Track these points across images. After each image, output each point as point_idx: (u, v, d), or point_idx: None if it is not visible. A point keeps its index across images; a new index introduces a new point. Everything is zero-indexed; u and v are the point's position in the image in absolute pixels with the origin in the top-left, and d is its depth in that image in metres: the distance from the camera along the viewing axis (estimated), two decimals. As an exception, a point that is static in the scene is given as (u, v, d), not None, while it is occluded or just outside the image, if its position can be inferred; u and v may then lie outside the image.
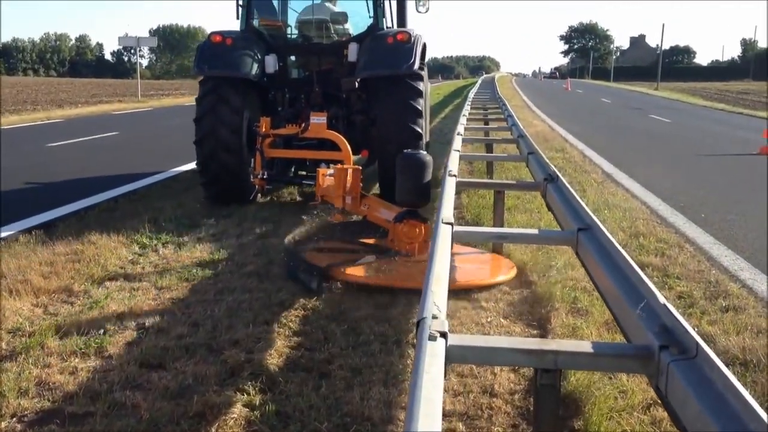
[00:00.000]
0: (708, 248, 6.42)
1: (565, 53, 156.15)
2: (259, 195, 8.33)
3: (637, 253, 6.10)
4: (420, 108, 7.77)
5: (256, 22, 8.66)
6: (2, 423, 3.21)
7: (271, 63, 8.26)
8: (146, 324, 4.41)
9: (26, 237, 6.43)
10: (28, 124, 20.53)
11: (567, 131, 18.46)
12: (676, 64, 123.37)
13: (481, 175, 10.23)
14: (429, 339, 2.08)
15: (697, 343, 2.01)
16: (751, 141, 16.20)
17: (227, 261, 5.84)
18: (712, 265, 5.84)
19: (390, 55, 7.78)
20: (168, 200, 8.34)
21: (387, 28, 8.65)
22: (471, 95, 22.51)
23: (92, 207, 8.00)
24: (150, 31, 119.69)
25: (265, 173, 7.57)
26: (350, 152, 7.25)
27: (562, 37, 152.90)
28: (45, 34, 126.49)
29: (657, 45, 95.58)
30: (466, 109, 13.80)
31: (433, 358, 1.98)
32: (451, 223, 3.75)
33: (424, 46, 8.27)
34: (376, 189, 8.50)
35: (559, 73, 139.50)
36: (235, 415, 3.30)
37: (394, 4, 8.93)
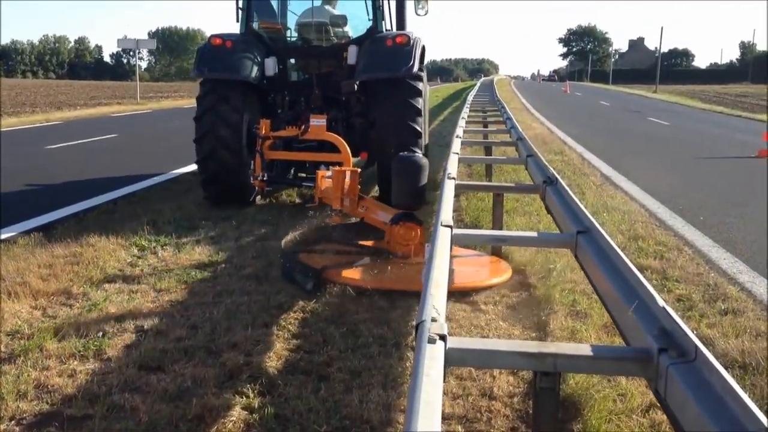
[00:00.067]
0: (707, 251, 6.43)
1: (564, 56, 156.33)
2: (259, 197, 8.34)
3: (636, 255, 6.11)
4: (419, 110, 7.81)
5: (255, 25, 8.69)
6: (1, 426, 3.21)
7: (271, 66, 8.29)
8: (145, 326, 4.41)
9: (25, 239, 6.43)
10: (27, 126, 20.52)
11: (566, 134, 18.48)
12: (674, 67, 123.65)
13: (480, 177, 10.24)
14: (428, 342, 2.08)
15: (696, 347, 2.02)
16: (750, 144, 16.23)
17: (226, 263, 5.84)
18: (711, 268, 5.85)
19: (389, 58, 7.81)
20: (167, 202, 8.34)
21: (386, 30, 8.69)
22: (470, 98, 22.53)
23: (91, 209, 8.00)
24: (149, 34, 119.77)
25: (265, 175, 7.58)
26: (350, 154, 7.27)
27: (560, 40, 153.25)
28: (44, 36, 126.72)
29: (656, 48, 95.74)
30: (465, 112, 13.81)
31: (433, 361, 1.98)
32: (450, 226, 3.76)
33: (423, 49, 8.29)
34: (375, 191, 8.51)
35: (557, 76, 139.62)
36: (234, 418, 3.29)
37: (393, 6, 8.95)
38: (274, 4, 9.28)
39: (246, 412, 3.35)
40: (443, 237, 3.51)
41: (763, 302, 4.96)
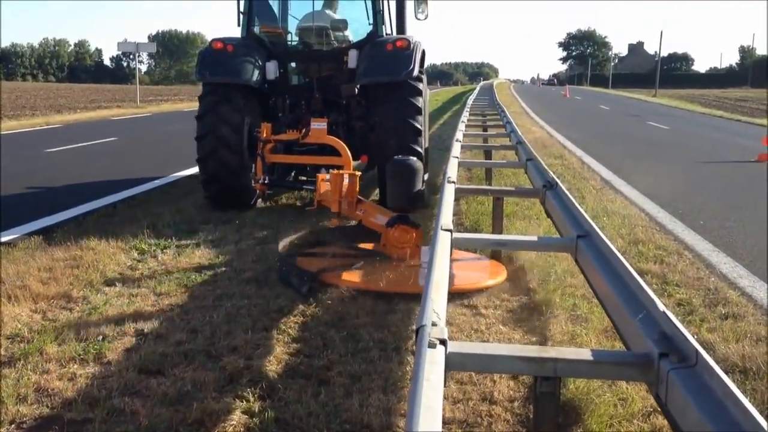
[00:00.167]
0: (707, 255, 6.43)
1: (564, 60, 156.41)
2: (260, 200, 8.37)
3: (636, 260, 6.11)
4: (419, 115, 7.83)
5: (257, 29, 8.72)
6: (1, 429, 3.21)
7: (272, 69, 8.33)
8: (145, 330, 4.40)
9: (25, 242, 6.43)
10: (27, 129, 20.53)
11: (565, 138, 18.49)
12: (674, 71, 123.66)
13: (480, 181, 10.25)
14: (428, 346, 2.09)
15: (697, 351, 2.02)
16: (750, 148, 16.23)
17: (226, 267, 5.84)
18: (711, 273, 5.84)
19: (389, 62, 7.85)
20: (167, 206, 8.34)
21: (386, 35, 8.72)
22: (470, 101, 22.55)
23: (91, 212, 7.99)
24: (149, 37, 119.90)
25: (266, 178, 7.60)
26: (350, 157, 7.29)
27: (560, 44, 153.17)
28: (44, 39, 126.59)
29: (655, 52, 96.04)
30: (465, 116, 13.82)
31: (433, 365, 1.99)
32: (450, 230, 3.76)
33: (423, 53, 8.33)
34: (376, 194, 8.52)
35: (557, 80, 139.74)
36: (234, 422, 3.29)
37: (393, 11, 8.98)
38: (275, 8, 9.31)
39: (246, 416, 3.35)
40: (443, 241, 3.51)
41: (763, 307, 4.96)
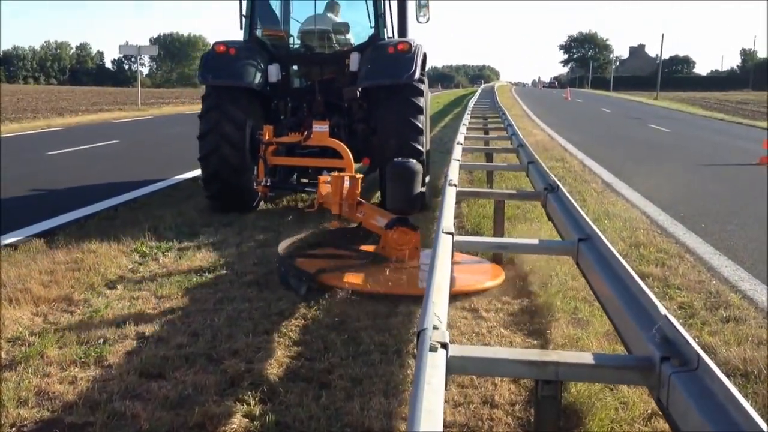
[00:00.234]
0: (708, 258, 6.42)
1: (565, 63, 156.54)
2: (262, 202, 8.40)
3: (638, 263, 6.10)
4: (420, 118, 7.87)
5: (259, 33, 8.76)
6: (1, 433, 3.21)
7: (274, 72, 8.36)
8: (146, 333, 4.40)
9: (26, 245, 6.43)
10: (29, 132, 20.57)
11: (567, 141, 18.49)
12: (675, 74, 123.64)
13: (481, 184, 10.25)
14: (430, 350, 2.08)
15: (699, 355, 2.01)
16: (751, 151, 16.22)
17: (227, 270, 5.84)
18: (713, 276, 5.84)
19: (391, 65, 7.88)
20: (168, 208, 8.35)
21: (388, 38, 8.74)
22: (471, 104, 22.57)
23: (92, 215, 8.00)
24: (150, 40, 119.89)
25: (268, 180, 7.64)
26: (352, 160, 7.30)
27: (561, 47, 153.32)
28: (45, 42, 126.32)
29: (656, 55, 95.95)
30: (466, 119, 13.83)
31: (434, 369, 1.98)
32: (451, 233, 3.76)
33: (425, 56, 8.35)
34: (377, 197, 8.53)
35: (558, 83, 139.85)
36: (235, 426, 3.29)
37: (395, 14, 9.02)
38: (277, 11, 9.36)
39: (247, 420, 3.35)
40: (444, 244, 3.51)
41: (764, 310, 4.95)
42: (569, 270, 5.39)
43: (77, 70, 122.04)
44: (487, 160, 10.26)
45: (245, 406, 3.46)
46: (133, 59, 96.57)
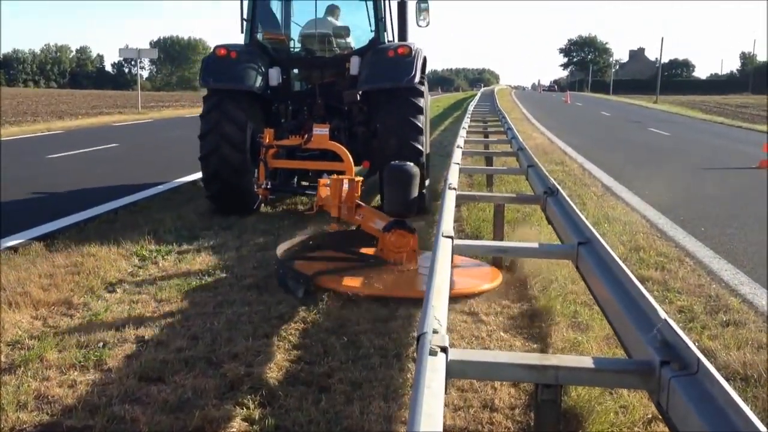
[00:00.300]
0: (708, 262, 6.42)
1: (565, 66, 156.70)
2: (263, 204, 8.41)
3: (638, 266, 6.10)
4: (420, 120, 7.92)
5: (260, 36, 8.80)
6: (1, 436, 3.20)
7: (275, 76, 8.39)
8: (146, 337, 4.40)
9: (26, 249, 6.43)
10: (29, 135, 20.56)
11: (566, 144, 18.50)
12: (675, 78, 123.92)
13: (480, 187, 10.25)
14: (430, 354, 2.08)
15: (699, 359, 2.01)
16: (751, 154, 16.24)
17: (227, 273, 5.83)
18: (713, 280, 5.84)
19: (391, 69, 7.92)
20: (168, 212, 8.35)
21: (388, 41, 8.77)
22: (471, 108, 22.58)
23: (92, 219, 8.00)
24: (151, 43, 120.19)
25: (269, 183, 7.67)
26: (352, 163, 7.32)
27: (561, 50, 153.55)
28: (45, 45, 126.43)
29: (656, 58, 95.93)
30: (466, 122, 13.84)
31: (434, 373, 1.99)
32: (451, 237, 3.76)
33: (425, 60, 8.38)
34: (378, 200, 8.53)
35: (558, 86, 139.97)
36: (235, 429, 3.28)
37: (395, 18, 9.05)
38: (278, 15, 9.40)
39: (246, 424, 3.34)
40: (444, 248, 3.51)
41: (764, 314, 4.96)
42: (569, 274, 5.39)
43: (77, 73, 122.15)
44: (486, 164, 10.27)
45: (245, 409, 3.45)
46: (133, 62, 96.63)
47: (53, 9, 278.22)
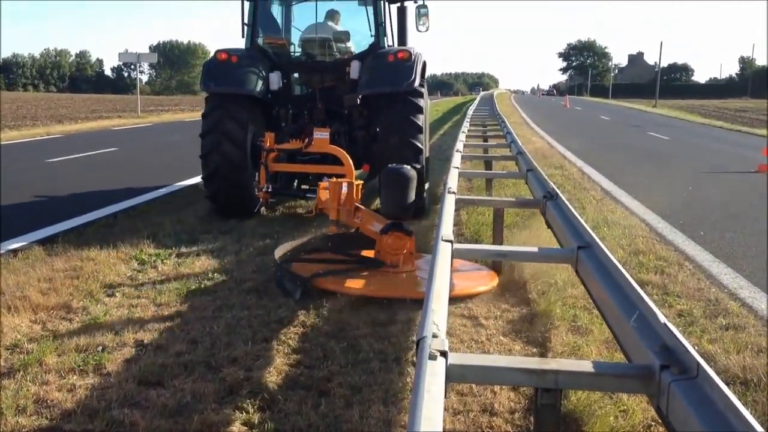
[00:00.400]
0: (707, 266, 6.42)
1: (564, 70, 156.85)
2: (263, 208, 8.46)
3: (637, 270, 6.10)
4: (420, 124, 7.95)
5: (260, 41, 8.84)
6: (-1, 441, 3.20)
7: (275, 80, 8.44)
8: (145, 341, 4.40)
9: (25, 253, 6.43)
10: (28, 139, 20.57)
11: (566, 148, 18.52)
12: (674, 82, 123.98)
13: (480, 191, 10.26)
14: (429, 358, 2.08)
15: (698, 363, 2.02)
16: (750, 158, 16.24)
17: (226, 277, 5.83)
18: (712, 283, 5.84)
19: (391, 73, 7.96)
20: (167, 216, 8.35)
21: (388, 46, 8.82)
22: (470, 112, 22.60)
23: (91, 223, 8.00)
24: (150, 47, 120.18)
25: (269, 186, 7.70)
26: (352, 166, 7.34)
27: (560, 55, 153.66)
28: (45, 49, 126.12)
29: (655, 62, 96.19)
30: (465, 126, 13.86)
31: (434, 377, 1.99)
32: (450, 241, 3.76)
33: (424, 64, 8.44)
34: (378, 203, 8.54)
35: (557, 91, 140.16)
36: (234, 434, 3.28)
37: (395, 23, 9.09)
38: (279, 20, 9.43)
39: (246, 428, 3.34)
40: (444, 252, 3.51)
41: (764, 318, 4.95)
42: (568, 278, 5.39)
43: (77, 77, 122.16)
44: (486, 168, 10.28)
45: (244, 414, 3.45)
46: (132, 67, 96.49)
47: (52, 13, 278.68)
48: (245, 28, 8.74)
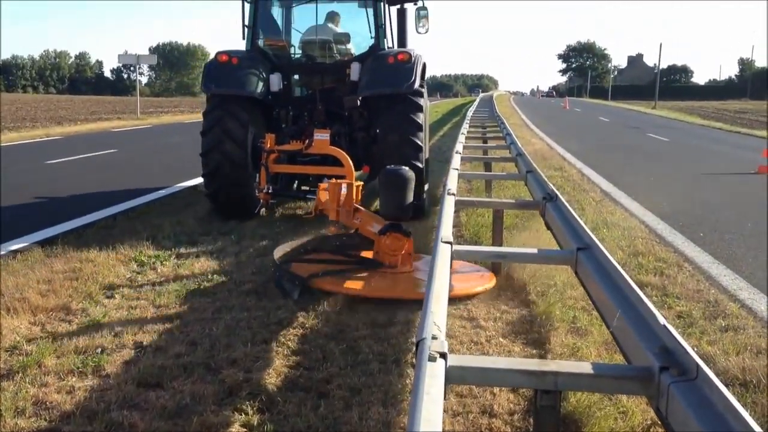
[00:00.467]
0: (707, 267, 6.42)
1: (563, 72, 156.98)
2: (264, 209, 8.48)
3: (636, 272, 6.10)
4: (420, 122, 8.00)
5: (261, 42, 8.87)
6: (-2, 443, 3.19)
7: (276, 81, 8.47)
8: (144, 343, 4.40)
9: (24, 254, 6.42)
10: (28, 141, 20.57)
11: (565, 150, 18.52)
12: (673, 83, 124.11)
13: (479, 192, 10.26)
14: (429, 360, 2.08)
15: (698, 365, 2.01)
16: (750, 160, 16.25)
17: (226, 279, 5.83)
18: (711, 285, 5.84)
19: (391, 75, 7.99)
20: (167, 217, 8.35)
21: (388, 48, 8.83)
22: (470, 113, 22.60)
23: (91, 224, 8.00)
24: (150, 49, 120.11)
25: (270, 188, 7.71)
26: (352, 168, 7.34)
27: (560, 56, 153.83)
28: (45, 51, 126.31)
29: (654, 64, 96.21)
30: (465, 128, 13.86)
31: (433, 378, 1.98)
32: (450, 242, 3.76)
33: (424, 66, 8.47)
34: (378, 204, 8.54)
35: (556, 92, 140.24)
36: (233, 435, 3.27)
37: (395, 24, 9.11)
38: (279, 22, 9.46)
39: (245, 430, 3.34)
40: (443, 253, 3.51)
41: (763, 319, 4.95)
42: (568, 279, 5.38)
43: (76, 79, 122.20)
44: (485, 169, 10.27)
45: (243, 415, 3.44)
46: (132, 68, 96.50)
47: (52, 15, 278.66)
48: (246, 29, 8.77)
